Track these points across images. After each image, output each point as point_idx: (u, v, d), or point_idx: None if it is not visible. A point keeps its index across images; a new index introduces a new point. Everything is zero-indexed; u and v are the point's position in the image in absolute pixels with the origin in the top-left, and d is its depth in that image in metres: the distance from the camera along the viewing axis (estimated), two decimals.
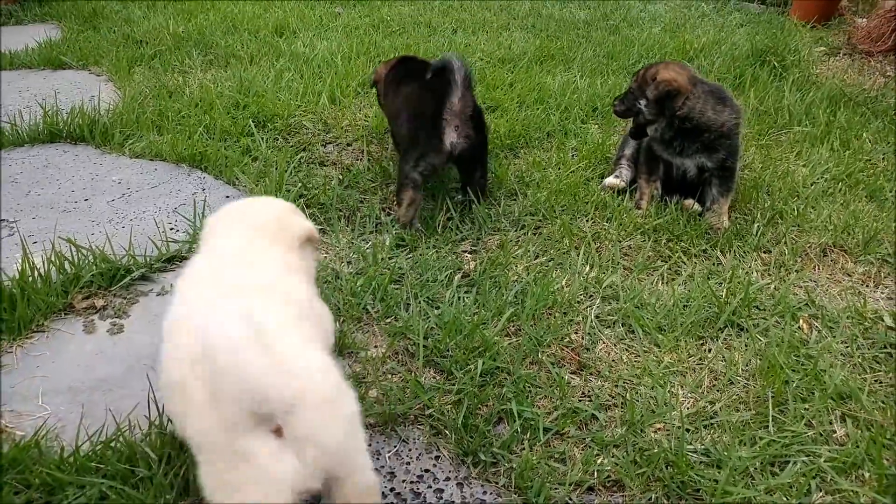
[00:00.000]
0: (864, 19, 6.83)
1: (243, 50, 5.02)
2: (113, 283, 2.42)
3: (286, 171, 3.28)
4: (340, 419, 1.36)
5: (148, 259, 2.56)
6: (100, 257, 2.48)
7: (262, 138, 3.66)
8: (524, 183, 3.28)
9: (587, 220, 3.01)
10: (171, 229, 2.84)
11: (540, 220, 2.99)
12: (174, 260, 2.62)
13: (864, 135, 3.95)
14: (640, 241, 2.86)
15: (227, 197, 3.11)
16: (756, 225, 2.96)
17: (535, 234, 2.91)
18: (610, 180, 3.33)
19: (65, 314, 2.29)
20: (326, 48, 5.07)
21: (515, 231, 2.92)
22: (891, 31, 6.06)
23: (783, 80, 4.71)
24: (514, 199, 3.17)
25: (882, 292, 2.68)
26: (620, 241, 2.86)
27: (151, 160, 3.44)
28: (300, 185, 3.20)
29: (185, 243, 2.67)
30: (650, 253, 2.80)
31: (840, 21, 6.94)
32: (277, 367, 1.24)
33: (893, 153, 3.74)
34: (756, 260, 2.80)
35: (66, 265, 2.43)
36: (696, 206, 3.12)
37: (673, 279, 2.66)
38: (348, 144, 3.76)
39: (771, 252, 2.86)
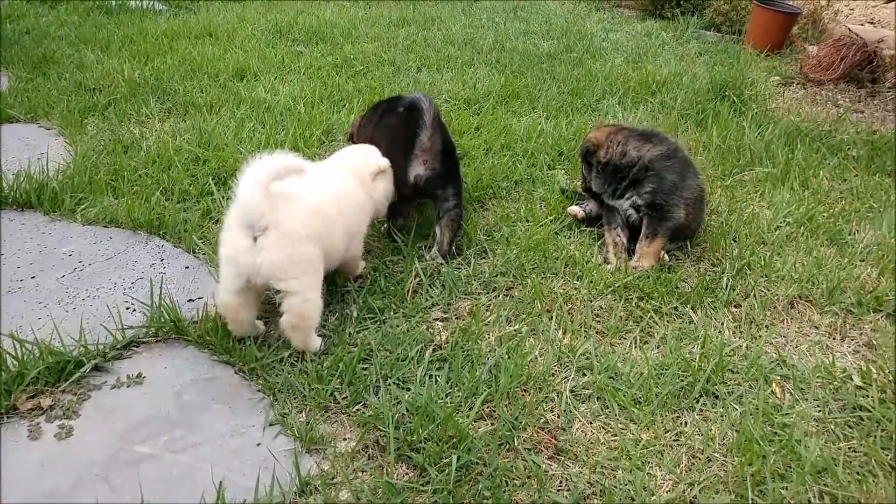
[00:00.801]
0: (815, 47, 6.99)
1: (203, 97, 4.91)
2: (62, 379, 2.28)
3: None
4: (290, 255, 2.30)
5: (101, 347, 2.44)
6: (46, 350, 2.34)
7: (223, 198, 3.56)
8: (493, 240, 3.24)
9: (558, 280, 2.97)
10: (128, 309, 2.72)
11: (511, 281, 2.94)
12: (131, 346, 2.50)
13: (822, 172, 4.01)
14: (612, 301, 2.83)
15: (187, 268, 3.01)
16: (725, 277, 2.95)
17: (506, 297, 2.87)
18: (573, 208, 3.45)
19: (7, 417, 2.15)
20: (288, 93, 4.99)
21: (487, 294, 2.87)
22: (839, 60, 6.21)
23: (743, 116, 4.77)
24: (485, 258, 3.12)
25: (848, 346, 2.69)
26: (591, 302, 2.83)
27: (106, 227, 3.31)
28: None
29: (143, 328, 2.55)
30: (622, 314, 2.77)
31: (792, 49, 7.09)
32: (269, 204, 2.25)
33: (850, 192, 3.80)
34: (727, 316, 2.79)
35: (9, 360, 2.30)
36: (665, 257, 3.12)
37: (646, 342, 2.64)
38: None
39: (741, 306, 2.85)
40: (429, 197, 3.08)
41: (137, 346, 2.53)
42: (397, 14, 7.94)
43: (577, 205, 3.42)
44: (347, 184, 2.73)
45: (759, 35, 6.92)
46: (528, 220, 3.44)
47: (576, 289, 2.91)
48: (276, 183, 2.29)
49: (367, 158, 2.90)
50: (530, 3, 9.16)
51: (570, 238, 3.31)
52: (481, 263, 3.07)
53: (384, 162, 2.88)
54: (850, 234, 3.36)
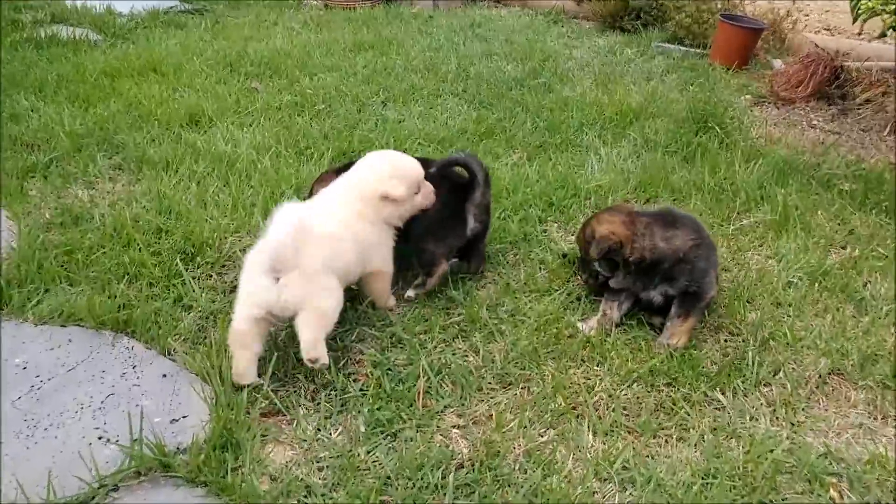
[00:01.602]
0: (779, 61, 6.97)
1: (156, 150, 4.51)
2: None
3: (225, 329, 2.85)
4: (311, 289, 2.49)
5: (74, 499, 2.10)
6: None
7: (193, 279, 3.22)
8: (498, 318, 2.99)
9: (576, 366, 2.74)
10: (101, 439, 2.37)
11: (526, 373, 2.70)
12: (109, 492, 2.16)
13: (819, 213, 3.89)
14: (639, 391, 2.62)
15: (164, 376, 2.66)
16: (749, 352, 2.77)
17: (524, 390, 2.62)
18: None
19: None
20: (250, 142, 4.63)
21: (503, 391, 2.62)
22: (809, 77, 6.18)
23: (729, 150, 4.64)
24: (493, 342, 2.87)
25: (891, 425, 2.54)
26: (617, 392, 2.60)
27: (63, 325, 2.93)
28: None
29: (121, 472, 2.21)
30: (651, 404, 2.56)
31: (757, 64, 7.05)
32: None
33: (852, 235, 3.69)
34: (759, 399, 2.61)
35: None
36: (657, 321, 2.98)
37: (682, 439, 2.43)
38: None
39: (771, 385, 2.67)
40: (472, 248, 3.23)
41: (116, 490, 2.19)
42: (351, 38, 7.60)
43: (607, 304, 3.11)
44: (353, 208, 2.79)
45: (725, 51, 6.85)
46: (530, 290, 3.20)
47: (597, 377, 2.69)
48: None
49: (375, 181, 2.84)
50: (487, 19, 8.94)
51: (578, 311, 3.08)
52: (490, 350, 2.82)
53: (391, 190, 2.80)
54: (864, 287, 3.23)
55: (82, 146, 4.57)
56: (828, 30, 8.32)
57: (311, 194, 3.28)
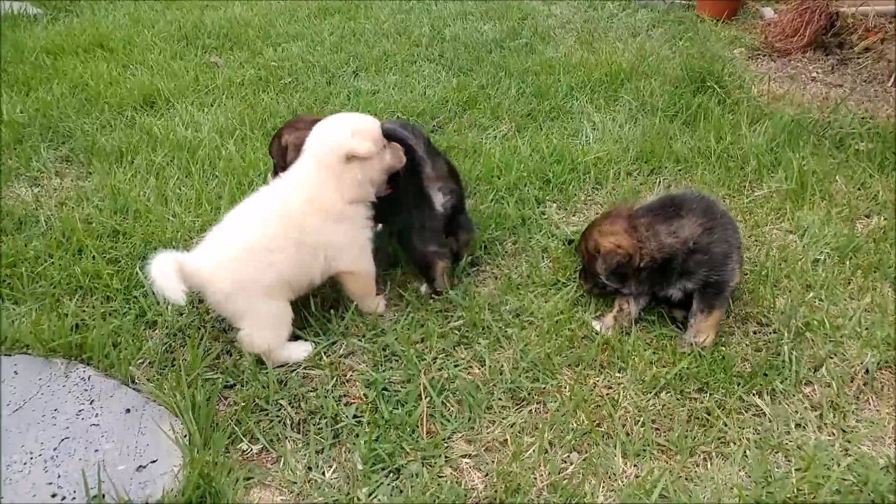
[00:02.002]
0: (767, 9, 6.62)
1: (108, 139, 4.07)
2: None
3: (198, 347, 2.51)
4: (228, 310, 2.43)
5: None
6: None
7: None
8: (503, 320, 2.67)
9: (595, 374, 2.44)
10: (54, 496, 2.03)
11: (540, 385, 2.39)
12: None
13: (838, 178, 3.60)
14: (667, 399, 2.33)
15: (128, 411, 2.32)
16: (785, 346, 2.49)
17: (540, 408, 2.32)
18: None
19: None
20: (212, 124, 4.20)
21: (516, 409, 2.32)
22: (804, 26, 5.84)
23: (731, 111, 4.31)
24: (499, 349, 2.56)
25: None
26: (644, 404, 2.31)
27: (7, 354, 2.56)
28: (220, 370, 2.46)
29: None
30: (683, 415, 2.27)
31: (747, 13, 6.70)
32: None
33: (874, 201, 3.41)
34: (802, 402, 2.33)
35: None
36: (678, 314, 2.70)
37: (723, 455, 2.15)
38: None
39: (814, 384, 2.40)
40: (453, 221, 2.81)
41: None
42: (316, 2, 7.08)
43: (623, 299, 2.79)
44: (297, 206, 2.47)
45: (712, 1, 6.46)
46: (534, 284, 2.88)
47: (620, 385, 2.39)
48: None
49: (333, 142, 2.50)
50: None
51: (590, 306, 2.77)
52: (497, 359, 2.50)
53: (356, 146, 2.46)
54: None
55: (23, 136, 4.12)
56: None
57: (275, 145, 2.99)
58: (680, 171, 3.71)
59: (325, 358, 2.54)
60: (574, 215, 3.38)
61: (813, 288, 2.79)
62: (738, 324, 2.67)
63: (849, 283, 2.85)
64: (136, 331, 2.66)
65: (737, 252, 2.56)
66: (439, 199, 2.67)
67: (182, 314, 2.75)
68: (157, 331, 2.69)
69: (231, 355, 2.56)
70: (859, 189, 3.51)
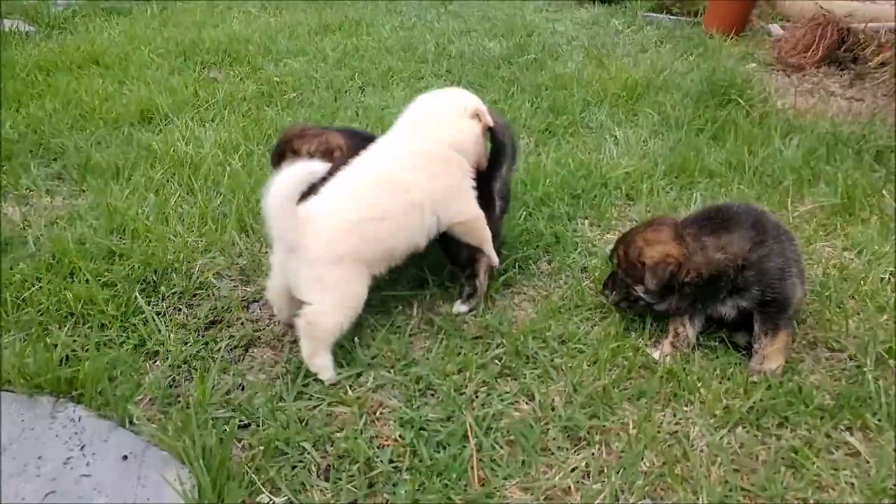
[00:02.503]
0: (775, 26, 6.50)
1: (102, 154, 3.79)
2: None
3: (205, 382, 2.22)
4: (311, 278, 2.21)
5: None
6: None
7: (158, 315, 2.56)
8: (548, 348, 2.40)
9: (660, 409, 2.17)
10: None
11: (600, 422, 2.11)
12: None
13: (885, 193, 3.39)
14: (744, 436, 2.06)
15: (125, 458, 2.01)
16: (869, 375, 2.23)
17: (603, 449, 2.04)
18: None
19: None
20: (214, 139, 3.94)
21: (575, 450, 2.04)
22: (817, 41, 5.71)
23: (761, 125, 4.11)
24: (548, 380, 2.28)
25: None
26: (719, 442, 2.04)
27: None
28: (233, 408, 2.17)
29: None
30: (765, 456, 2.00)
31: (753, 31, 6.58)
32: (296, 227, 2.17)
33: None
34: None
35: None
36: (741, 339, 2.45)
37: None
38: None
39: None
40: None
41: None
42: (316, 19, 6.89)
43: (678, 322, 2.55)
44: (401, 162, 2.38)
45: (720, 17, 6.34)
46: (578, 307, 2.62)
47: (690, 420, 2.12)
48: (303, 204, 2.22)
49: (462, 99, 2.56)
50: None
51: (642, 331, 2.51)
52: (547, 393, 2.23)
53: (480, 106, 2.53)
54: None
55: (13, 153, 3.83)
56: None
57: (282, 156, 2.75)
58: (715, 185, 3.49)
59: (350, 392, 2.25)
60: (609, 232, 3.15)
61: (885, 310, 2.55)
62: (805, 349, 2.42)
63: None
64: (134, 363, 2.37)
65: (796, 265, 2.32)
66: (499, 205, 2.60)
67: (187, 343, 2.46)
68: (158, 362, 2.40)
69: (244, 390, 2.28)
70: None
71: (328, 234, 2.20)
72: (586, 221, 3.22)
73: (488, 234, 2.52)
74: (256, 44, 5.94)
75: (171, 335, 2.49)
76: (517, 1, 8.10)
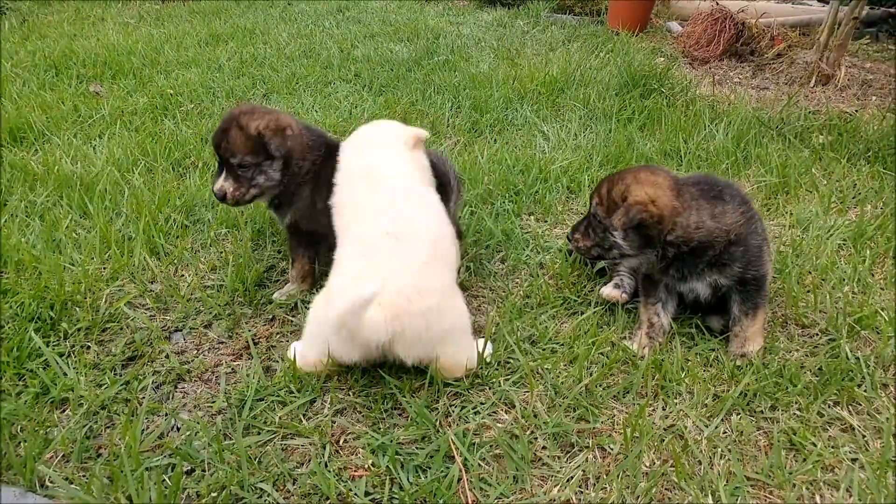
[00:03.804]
0: (673, 23, 6.68)
1: None
2: None
3: (132, 427, 1.86)
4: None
5: None
6: None
7: (61, 356, 2.17)
8: (521, 350, 2.19)
9: (650, 404, 2.00)
10: None
11: (590, 425, 1.92)
12: None
13: (814, 170, 3.43)
14: (739, 423, 1.93)
15: None
16: (846, 347, 2.16)
17: (597, 453, 1.85)
18: (608, 290, 2.47)
19: None
20: (107, 157, 3.50)
21: (563, 458, 1.83)
22: (718, 35, 5.89)
23: (686, 113, 4.12)
24: (524, 385, 2.07)
25: None
26: (716, 432, 1.90)
27: None
28: (170, 453, 1.82)
29: None
30: (762, 440, 1.88)
31: (654, 29, 6.74)
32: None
33: (853, 189, 3.25)
34: (889, 408, 1.99)
35: None
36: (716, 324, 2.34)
37: (830, 484, 1.76)
38: (207, 325, 2.39)
39: (889, 386, 2.08)
40: None
41: None
42: (204, 30, 6.46)
43: (612, 285, 2.46)
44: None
45: (623, 15, 6.45)
46: (542, 305, 2.44)
47: (682, 413, 1.97)
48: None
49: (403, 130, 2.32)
50: (353, 2, 8.05)
51: (614, 324, 2.35)
52: (526, 399, 2.02)
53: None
54: None
55: None
56: None
57: (227, 132, 2.39)
58: None
59: (305, 421, 1.96)
60: (556, 227, 2.99)
61: (847, 282, 2.52)
62: (778, 328, 2.34)
63: (873, 273, 2.61)
64: (38, 414, 1.97)
65: (766, 244, 2.24)
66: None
67: (102, 385, 2.08)
68: (68, 411, 2.00)
69: (179, 430, 1.93)
70: (836, 180, 3.35)
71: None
72: (532, 217, 3.06)
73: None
74: (141, 55, 5.46)
75: (82, 378, 2.10)
76: (414, 4, 7.97)
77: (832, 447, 1.86)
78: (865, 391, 2.02)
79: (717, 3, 6.06)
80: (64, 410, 2.01)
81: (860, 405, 2.00)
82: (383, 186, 2.10)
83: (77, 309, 2.39)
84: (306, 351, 2.06)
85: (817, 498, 1.72)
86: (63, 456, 1.84)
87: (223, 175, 2.39)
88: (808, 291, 2.46)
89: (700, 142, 3.65)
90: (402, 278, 1.86)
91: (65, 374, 2.10)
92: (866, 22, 6.84)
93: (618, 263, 2.50)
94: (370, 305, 1.76)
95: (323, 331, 1.94)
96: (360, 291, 1.72)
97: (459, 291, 2.07)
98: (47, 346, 2.21)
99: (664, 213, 2.07)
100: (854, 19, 4.95)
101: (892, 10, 6.96)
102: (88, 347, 2.26)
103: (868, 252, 2.69)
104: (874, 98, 4.79)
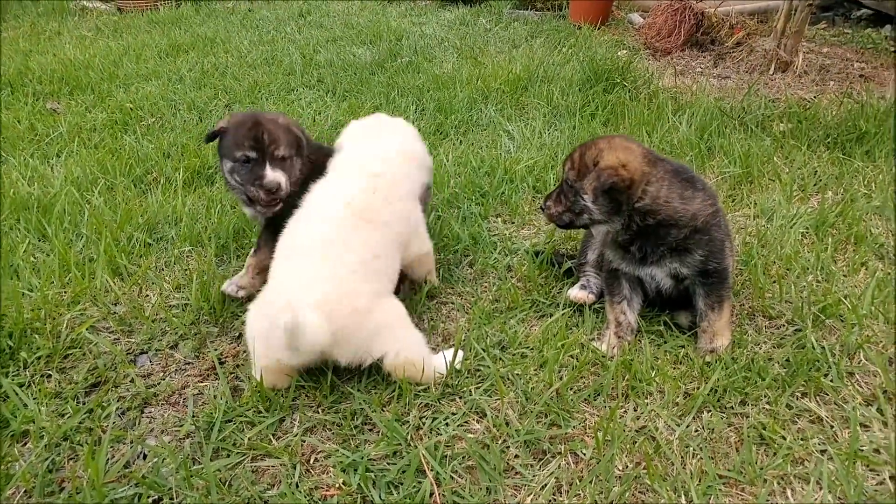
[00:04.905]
0: (634, 14, 6.72)
1: None
2: None
3: (96, 458, 1.82)
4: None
5: None
6: None
7: (21, 387, 2.11)
8: (490, 357, 2.18)
9: (620, 405, 2.00)
10: None
11: (561, 431, 1.92)
12: None
13: (775, 159, 3.47)
14: (712, 422, 1.93)
15: None
16: (811, 337, 2.18)
17: (569, 459, 1.84)
18: (575, 292, 2.46)
19: None
20: (65, 176, 3.43)
21: (539, 463, 1.83)
22: (678, 26, 5.93)
23: (650, 106, 4.14)
24: (494, 393, 2.06)
25: None
26: (687, 431, 1.91)
27: None
28: (136, 482, 1.78)
29: None
30: (733, 436, 1.89)
31: (616, 21, 6.77)
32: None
33: (814, 175, 3.29)
34: (855, 397, 2.02)
35: None
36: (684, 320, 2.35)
37: (801, 478, 1.77)
38: (173, 346, 2.35)
39: (855, 374, 2.10)
40: None
41: None
42: (164, 40, 6.36)
43: (579, 287, 2.45)
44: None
45: (584, 9, 6.47)
46: (511, 310, 2.43)
47: (653, 412, 1.97)
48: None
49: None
50: (314, 7, 7.98)
51: (583, 325, 2.35)
52: (497, 407, 2.01)
53: None
54: (869, 235, 2.79)
55: None
56: None
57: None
58: None
59: (274, 441, 1.93)
60: (524, 228, 2.99)
61: (810, 270, 2.54)
62: (745, 320, 2.36)
63: (836, 260, 2.64)
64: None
65: (729, 240, 2.26)
66: None
67: (64, 415, 2.04)
68: (29, 444, 1.95)
69: (146, 458, 1.89)
70: (797, 167, 3.38)
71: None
72: (499, 219, 3.05)
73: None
74: (99, 69, 5.36)
75: (42, 408, 2.05)
76: (376, 5, 7.92)
77: (801, 440, 1.88)
78: (832, 381, 2.04)
79: None
80: (25, 443, 1.96)
81: (827, 395, 2.02)
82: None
83: (37, 336, 2.33)
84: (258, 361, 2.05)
85: (788, 493, 1.73)
86: (25, 492, 1.79)
87: (268, 167, 2.33)
88: (774, 282, 2.47)
89: (664, 134, 3.66)
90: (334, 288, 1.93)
91: (25, 406, 2.05)
92: (822, 7, 6.94)
93: (584, 263, 2.51)
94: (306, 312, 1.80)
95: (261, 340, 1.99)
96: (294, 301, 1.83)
97: (392, 296, 2.11)
98: (6, 376, 2.15)
99: (634, 177, 2.08)
100: (809, 5, 5.01)
101: None
102: (49, 376, 2.20)
103: (830, 240, 2.72)
104: (832, 83, 4.85)
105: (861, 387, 2.05)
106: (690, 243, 2.14)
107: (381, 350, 1.98)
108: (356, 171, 2.23)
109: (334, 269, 1.96)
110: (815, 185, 3.22)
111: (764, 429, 1.90)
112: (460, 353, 2.16)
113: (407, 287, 2.44)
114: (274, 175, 2.31)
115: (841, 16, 7.08)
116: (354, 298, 1.94)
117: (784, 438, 1.87)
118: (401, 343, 2.01)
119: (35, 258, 2.77)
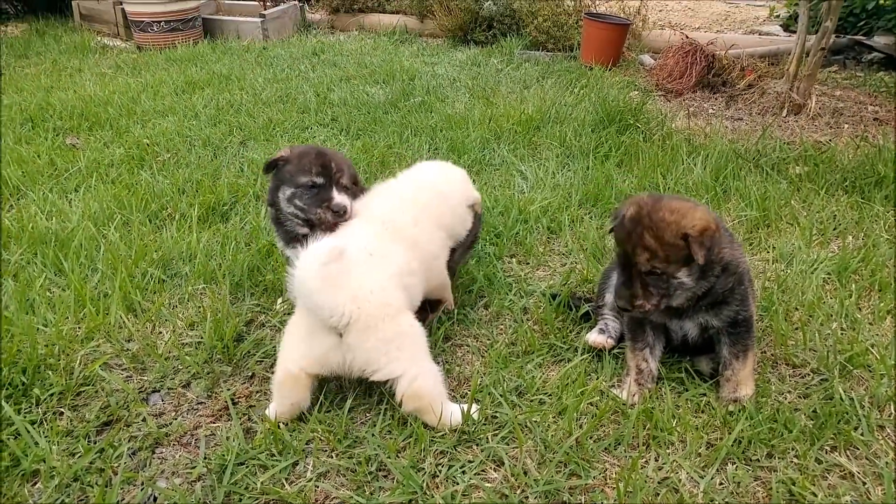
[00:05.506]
0: (645, 56, 6.78)
1: None
2: None
3: (106, 501, 1.78)
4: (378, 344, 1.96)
5: None
6: None
7: (32, 424, 2.09)
8: (505, 402, 2.14)
9: (642, 455, 1.96)
10: None
11: (582, 481, 1.87)
12: None
13: (793, 202, 3.45)
14: (738, 475, 1.88)
15: None
16: (839, 388, 2.14)
17: None
18: (594, 337, 2.41)
19: None
20: (83, 211, 3.44)
21: None
22: (689, 68, 5.97)
23: (663, 148, 4.14)
24: (512, 441, 2.02)
25: None
26: (711, 483, 1.85)
27: None
28: None
29: None
30: (761, 493, 1.83)
31: (627, 62, 6.82)
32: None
33: (833, 220, 3.26)
34: (886, 452, 1.96)
35: None
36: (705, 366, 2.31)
37: None
38: (186, 385, 2.32)
39: (885, 428, 2.05)
40: None
41: None
42: (181, 77, 6.44)
43: (597, 331, 2.41)
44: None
45: (595, 50, 6.52)
46: (528, 353, 2.40)
47: (675, 463, 1.92)
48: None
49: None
50: (327, 46, 8.08)
51: (602, 372, 2.31)
52: (515, 455, 1.97)
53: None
54: (894, 282, 2.76)
55: None
56: (670, 26, 8.36)
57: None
58: None
59: (287, 486, 1.89)
60: (538, 269, 2.97)
61: (835, 317, 2.51)
62: (769, 369, 2.31)
63: (860, 307, 2.60)
64: (8, 489, 1.89)
65: (752, 285, 2.23)
66: None
67: (75, 454, 2.01)
68: (39, 484, 1.92)
69: (156, 501, 1.85)
70: (816, 211, 3.36)
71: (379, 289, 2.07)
72: (514, 259, 3.03)
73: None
74: (117, 105, 5.42)
75: (54, 447, 2.02)
76: (389, 45, 8.01)
77: (833, 497, 1.82)
78: (862, 434, 1.99)
79: (687, 36, 6.15)
80: (35, 483, 1.93)
81: (858, 450, 1.97)
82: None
83: (50, 373, 2.31)
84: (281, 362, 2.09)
85: None
86: None
87: (335, 191, 2.38)
88: (797, 329, 2.44)
89: (679, 176, 3.66)
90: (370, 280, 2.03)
91: (36, 444, 2.02)
92: (833, 50, 6.98)
93: (602, 305, 2.48)
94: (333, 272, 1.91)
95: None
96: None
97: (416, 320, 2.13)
98: (18, 413, 2.13)
99: (718, 231, 2.02)
100: (822, 49, 5.04)
101: (857, 37, 7.12)
102: (62, 413, 2.18)
103: (854, 286, 2.69)
104: (846, 126, 4.85)
105: (893, 441, 2.00)
106: (727, 294, 2.09)
107: (397, 369, 1.97)
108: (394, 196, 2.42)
109: (373, 268, 2.07)
110: (834, 229, 3.19)
111: (793, 484, 1.85)
112: (475, 405, 2.13)
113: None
114: (342, 198, 2.35)
115: (852, 59, 7.11)
116: (386, 295, 2.02)
117: (815, 495, 1.82)
118: (417, 369, 1.99)
119: (51, 293, 2.77)
